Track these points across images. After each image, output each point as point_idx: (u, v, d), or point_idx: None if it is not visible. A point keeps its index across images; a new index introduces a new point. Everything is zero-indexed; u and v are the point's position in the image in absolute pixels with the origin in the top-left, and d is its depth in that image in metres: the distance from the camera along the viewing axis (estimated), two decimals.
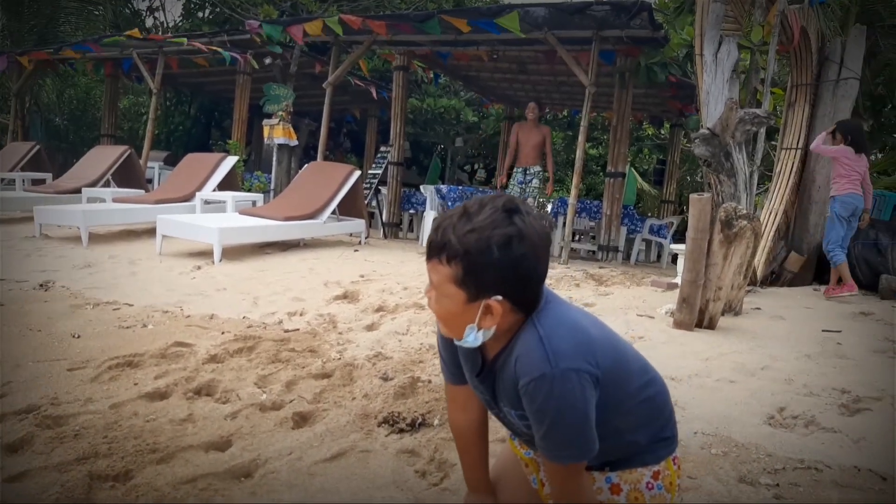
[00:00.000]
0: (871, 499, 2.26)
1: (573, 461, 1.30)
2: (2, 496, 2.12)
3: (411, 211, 10.43)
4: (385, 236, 9.73)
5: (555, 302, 1.35)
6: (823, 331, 4.16)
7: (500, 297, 1.27)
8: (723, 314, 4.28)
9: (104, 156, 9.94)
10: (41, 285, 5.17)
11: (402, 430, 2.72)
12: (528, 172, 8.49)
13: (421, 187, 9.91)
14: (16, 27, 13.78)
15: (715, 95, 4.48)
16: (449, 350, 1.51)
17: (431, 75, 13.06)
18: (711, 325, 4.13)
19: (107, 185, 9.42)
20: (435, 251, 1.27)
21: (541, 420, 1.27)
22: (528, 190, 8.45)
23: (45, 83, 15.37)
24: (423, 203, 9.69)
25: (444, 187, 9.01)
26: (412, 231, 10.64)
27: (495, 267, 1.24)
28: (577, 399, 1.23)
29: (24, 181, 9.89)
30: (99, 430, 2.59)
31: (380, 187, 10.38)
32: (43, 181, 10.16)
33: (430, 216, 8.94)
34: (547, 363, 1.23)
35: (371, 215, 9.99)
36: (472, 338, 1.31)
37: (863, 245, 6.03)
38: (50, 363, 3.38)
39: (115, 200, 8.22)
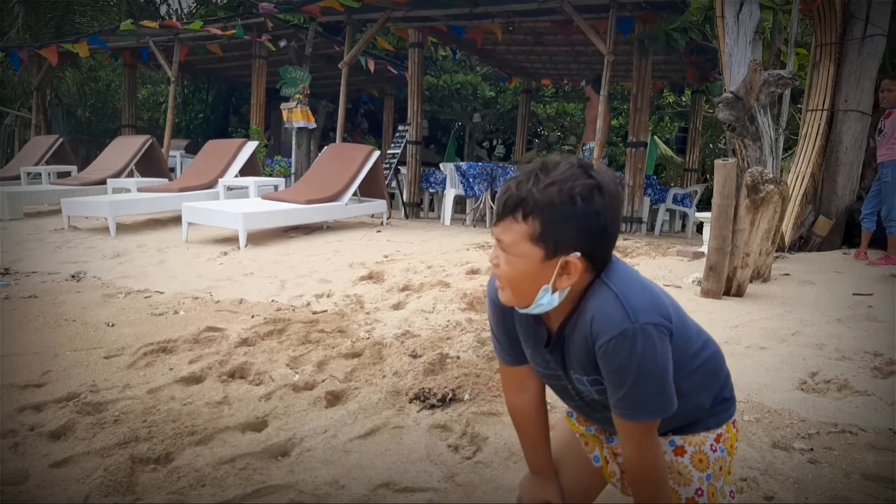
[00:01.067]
0: None
1: (655, 417, 1.27)
2: (45, 482, 2.18)
3: (431, 190, 10.42)
4: (406, 216, 9.75)
5: (617, 261, 1.33)
6: (854, 294, 4.10)
7: (578, 254, 1.23)
8: (751, 281, 4.24)
9: (126, 146, 10.05)
10: (73, 276, 5.27)
11: (433, 406, 2.75)
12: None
13: (440, 165, 9.88)
14: (33, 20, 13.88)
15: (737, 58, 4.39)
16: (504, 328, 1.46)
17: (448, 51, 12.94)
18: (740, 293, 4.10)
19: (130, 175, 9.54)
20: (510, 209, 1.22)
21: (622, 378, 1.24)
22: None
23: (65, 76, 15.52)
24: (443, 181, 9.67)
25: (463, 164, 8.97)
26: (433, 210, 10.64)
27: (577, 219, 1.20)
28: (659, 353, 1.22)
29: (49, 174, 10.04)
30: (138, 415, 2.65)
31: (399, 167, 10.37)
32: (68, 174, 10.31)
33: (450, 194, 8.93)
34: (627, 319, 1.21)
35: (391, 196, 10.00)
36: (547, 300, 1.26)
37: None
38: (87, 351, 3.46)
39: (139, 190, 8.32)
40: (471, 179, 8.66)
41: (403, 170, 10.29)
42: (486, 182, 8.71)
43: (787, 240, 5.85)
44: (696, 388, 1.36)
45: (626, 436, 1.33)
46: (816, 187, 6.19)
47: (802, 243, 6.04)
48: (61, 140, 11.17)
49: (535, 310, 1.29)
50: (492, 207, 8.79)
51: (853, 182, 6.15)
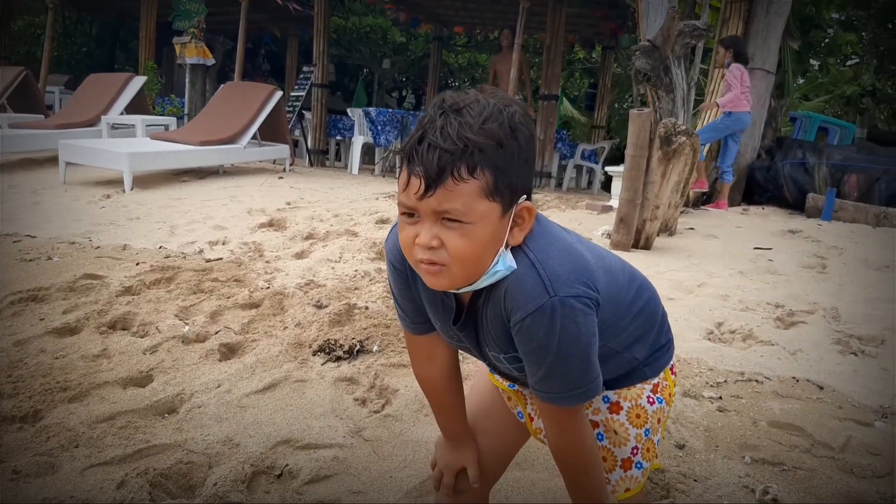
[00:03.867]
0: (809, 407, 2.29)
1: (578, 402, 1.12)
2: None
3: (338, 137, 10.02)
4: (311, 164, 9.35)
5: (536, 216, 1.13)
6: (755, 248, 4.23)
7: (525, 197, 1.04)
8: (658, 234, 4.28)
9: None
10: None
11: (339, 358, 2.58)
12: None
13: (348, 111, 9.49)
14: None
15: (655, 6, 4.35)
16: (408, 297, 1.24)
17: None
18: (647, 246, 4.13)
19: (3, 110, 8.59)
20: (445, 168, 0.95)
21: (540, 359, 1.07)
22: None
23: None
24: (351, 129, 9.30)
25: (372, 110, 8.64)
26: (339, 160, 10.27)
27: (523, 155, 1.00)
28: (582, 330, 1.05)
29: None
30: (2, 369, 2.35)
31: (304, 112, 9.89)
32: None
33: (358, 142, 8.61)
34: (544, 292, 1.02)
35: (295, 143, 9.54)
36: (504, 264, 1.04)
37: (791, 164, 6.17)
38: None
39: (10, 126, 7.51)
40: (380, 127, 8.36)
41: (308, 115, 9.82)
42: (397, 130, 8.45)
43: (690, 196, 5.99)
44: (629, 343, 1.23)
45: (548, 420, 1.18)
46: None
47: (705, 199, 6.22)
48: None
49: (488, 280, 1.07)
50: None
51: (755, 140, 6.37)
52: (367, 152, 9.23)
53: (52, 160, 6.69)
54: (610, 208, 5.40)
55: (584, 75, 15.67)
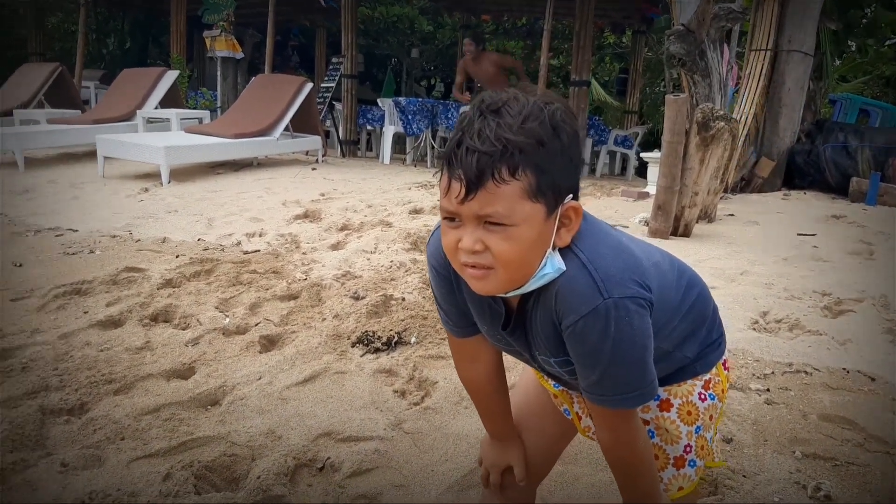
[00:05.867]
0: (861, 400, 2.22)
1: (633, 405, 1.08)
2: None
3: (368, 127, 10.02)
4: (343, 154, 9.37)
5: (584, 215, 1.09)
6: (798, 234, 4.13)
7: (571, 196, 1.00)
8: (697, 221, 4.20)
9: (34, 75, 9.20)
10: None
11: (377, 350, 2.58)
12: None
13: (378, 101, 9.48)
14: None
15: None
16: (453, 302, 1.21)
17: None
18: (687, 233, 4.06)
19: (40, 106, 8.77)
20: (486, 170, 0.92)
21: (594, 363, 1.03)
22: None
23: None
24: (381, 118, 9.29)
25: (402, 100, 8.62)
26: (371, 149, 10.27)
27: (567, 154, 0.96)
28: (637, 332, 1.01)
29: None
30: (49, 362, 2.39)
31: (334, 102, 9.90)
32: None
33: (389, 132, 8.60)
34: (598, 294, 0.98)
35: (326, 133, 9.57)
36: (552, 266, 1.01)
37: (832, 148, 6.00)
38: None
39: (49, 122, 7.66)
40: (410, 116, 8.34)
41: (338, 105, 9.84)
42: (427, 119, 8.42)
43: (729, 181, 5.87)
44: (679, 342, 1.19)
45: (600, 423, 1.15)
46: (759, 128, 6.21)
47: (744, 185, 6.09)
48: None
49: (536, 283, 1.03)
50: (433, 146, 8.54)
51: (794, 124, 6.20)
52: (398, 142, 9.21)
53: (90, 155, 6.81)
54: (646, 195, 5.31)
55: (615, 60, 15.42)
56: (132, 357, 2.49)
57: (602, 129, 9.10)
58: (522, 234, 0.96)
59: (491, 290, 1.03)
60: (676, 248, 3.83)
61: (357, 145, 9.90)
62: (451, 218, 0.99)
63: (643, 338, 1.03)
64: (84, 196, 5.48)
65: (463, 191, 0.94)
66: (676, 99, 3.74)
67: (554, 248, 1.01)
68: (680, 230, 4.08)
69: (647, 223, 4.15)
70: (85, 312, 2.91)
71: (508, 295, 1.07)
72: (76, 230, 4.36)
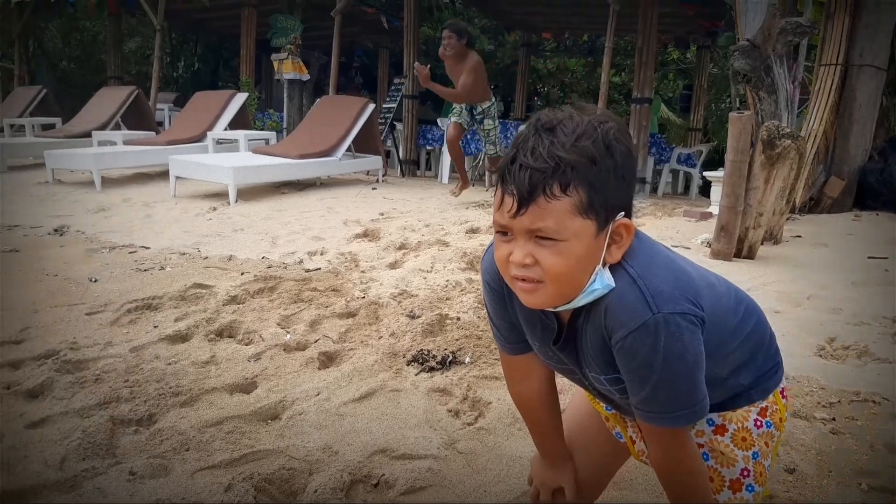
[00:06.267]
0: None
1: (684, 423, 1.08)
2: (23, 449, 2.03)
3: (428, 147, 10.16)
4: (403, 174, 9.51)
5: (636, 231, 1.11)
6: (869, 257, 3.96)
7: (622, 213, 1.02)
8: (762, 243, 4.08)
9: (112, 98, 9.72)
10: (56, 230, 5.08)
11: (432, 369, 2.61)
12: (475, 111, 6.32)
13: (438, 120, 9.60)
14: None
15: (753, 3, 4.16)
16: (505, 318, 1.23)
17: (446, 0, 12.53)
18: (751, 255, 3.95)
19: (117, 127, 9.25)
20: (537, 186, 0.95)
21: (643, 379, 1.03)
22: (481, 134, 6.51)
23: (48, 27, 14.99)
24: (440, 139, 9.41)
25: None
26: (430, 169, 10.39)
27: (619, 172, 0.98)
28: (688, 348, 1.01)
29: (33, 127, 9.73)
30: (120, 374, 2.51)
31: (395, 123, 10.09)
32: (53, 126, 9.99)
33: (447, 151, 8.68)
34: (647, 309, 0.99)
35: (388, 153, 9.75)
36: (602, 282, 1.02)
37: None
38: (68, 308, 3.30)
39: (125, 143, 8.06)
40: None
41: (399, 126, 10.02)
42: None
43: (797, 201, 5.69)
44: (735, 368, 1.17)
45: (652, 440, 1.14)
46: (828, 146, 5.99)
47: (813, 205, 5.88)
48: (45, 92, 10.81)
49: (585, 299, 1.05)
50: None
51: (866, 141, 5.96)
52: None
53: (163, 174, 7.13)
54: (709, 215, 5.20)
55: (679, 76, 15.17)
56: (198, 371, 2.59)
57: (664, 147, 8.95)
58: (572, 249, 0.98)
59: (540, 303, 1.05)
60: (740, 270, 3.73)
61: (417, 164, 10.03)
62: (503, 232, 1.02)
63: (694, 354, 1.03)
64: (156, 214, 5.74)
65: (515, 205, 0.97)
66: (740, 116, 3.67)
67: (604, 265, 1.03)
68: (744, 252, 3.97)
69: (709, 244, 4.06)
70: (155, 327, 3.04)
71: (559, 309, 1.09)
72: (148, 247, 4.57)
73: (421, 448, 2.06)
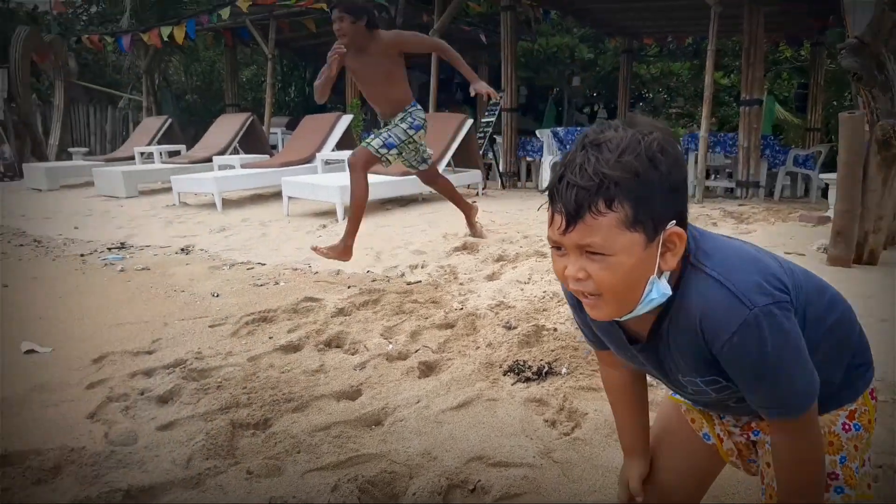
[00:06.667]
0: None
1: (808, 406, 1.09)
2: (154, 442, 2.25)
3: (528, 158, 10.19)
4: (503, 186, 9.59)
5: (695, 231, 1.12)
6: None
7: (674, 222, 1.03)
8: (884, 248, 3.83)
9: (229, 124, 10.43)
10: (182, 249, 5.51)
11: (528, 379, 2.65)
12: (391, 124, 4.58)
13: (536, 132, 9.62)
14: (138, 5, 14.56)
15: (861, 0, 3.93)
16: (583, 323, 1.29)
17: (541, 13, 12.53)
18: (872, 260, 3.71)
19: (235, 152, 9.90)
20: (583, 203, 0.98)
21: (759, 376, 1.05)
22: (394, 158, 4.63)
23: (172, 60, 16.28)
24: (541, 149, 9.42)
25: (560, 130, 8.69)
26: (531, 180, 10.41)
27: (665, 182, 1.01)
28: (791, 334, 1.04)
29: (161, 154, 10.59)
30: (239, 382, 2.70)
31: (495, 136, 10.19)
32: (178, 152, 10.84)
33: (547, 162, 8.69)
34: (742, 306, 1.01)
35: (488, 166, 9.86)
36: (658, 291, 1.05)
37: None
38: (193, 321, 3.58)
39: (242, 166, 8.61)
40: (568, 146, 8.37)
41: (499, 139, 10.11)
42: None
43: None
44: (822, 362, 1.15)
45: (781, 436, 1.14)
46: None
47: None
48: (170, 121, 11.75)
49: (644, 308, 1.08)
50: None
51: None
52: None
53: (277, 195, 7.56)
54: (827, 219, 4.92)
55: (794, 75, 14.37)
56: (308, 379, 2.75)
57: (778, 149, 8.51)
58: (621, 262, 1.01)
59: (603, 316, 1.09)
60: (859, 277, 3.52)
61: (517, 176, 10.08)
62: (557, 247, 1.06)
63: (796, 339, 1.05)
64: (271, 233, 6.11)
65: (564, 223, 1.01)
66: (851, 116, 3.47)
67: (659, 274, 1.05)
68: (864, 257, 3.74)
69: (825, 250, 3.85)
70: (270, 338, 3.26)
71: (624, 319, 1.11)
72: (264, 264, 4.88)
73: (516, 456, 2.10)
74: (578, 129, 8.98)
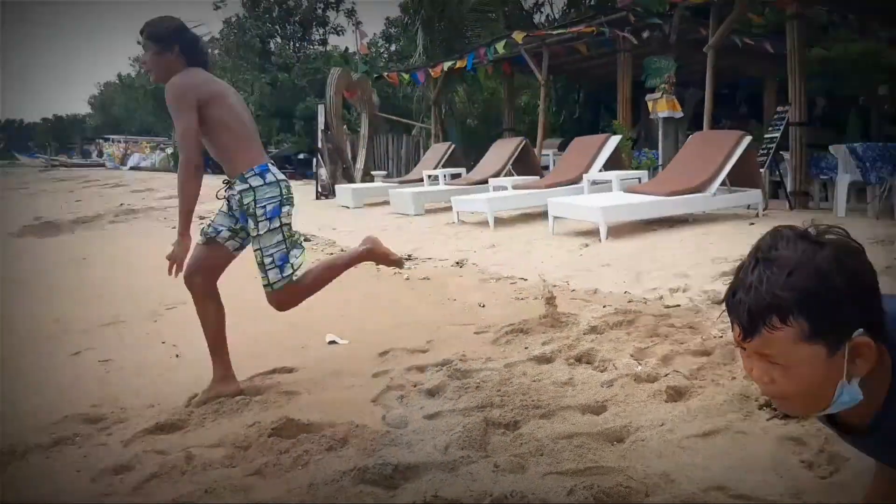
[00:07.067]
0: None
1: None
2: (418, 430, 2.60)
3: (822, 177, 9.15)
4: (791, 207, 8.75)
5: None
6: None
7: (861, 330, 1.03)
8: None
9: (504, 149, 11.11)
10: (457, 263, 6.08)
11: (786, 416, 2.49)
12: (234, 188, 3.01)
13: (830, 148, 8.62)
14: (429, 42, 16.19)
15: None
16: None
17: (837, 17, 11.22)
18: None
19: (508, 174, 10.51)
20: (756, 321, 1.03)
21: None
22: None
23: (458, 91, 17.77)
24: (835, 167, 8.42)
25: (859, 146, 7.69)
26: (826, 200, 9.35)
27: (844, 296, 1.01)
28: None
29: (444, 176, 11.66)
30: (495, 385, 2.96)
31: (782, 153, 9.35)
32: (459, 175, 11.82)
33: (843, 181, 7.75)
34: None
35: (777, 185, 9.10)
36: (849, 395, 1.07)
37: None
38: (461, 327, 3.99)
39: (514, 188, 9.13)
40: (869, 163, 7.39)
41: (787, 155, 9.25)
42: (891, 166, 7.34)
43: None
44: None
45: None
46: None
47: None
48: (453, 146, 12.89)
49: (839, 407, 1.08)
50: None
51: None
52: (859, 192, 8.20)
53: (544, 214, 7.89)
54: None
55: None
56: (556, 389, 2.91)
57: None
58: (802, 372, 1.04)
59: (792, 413, 1.15)
60: None
61: (808, 195, 9.12)
62: (743, 347, 1.10)
63: None
64: (535, 250, 6.42)
65: (741, 334, 1.06)
66: None
67: (849, 379, 1.04)
68: None
69: None
70: (525, 348, 3.49)
71: (822, 413, 1.13)
72: (526, 279, 5.18)
73: (762, 491, 2.02)
74: (880, 144, 7.85)
